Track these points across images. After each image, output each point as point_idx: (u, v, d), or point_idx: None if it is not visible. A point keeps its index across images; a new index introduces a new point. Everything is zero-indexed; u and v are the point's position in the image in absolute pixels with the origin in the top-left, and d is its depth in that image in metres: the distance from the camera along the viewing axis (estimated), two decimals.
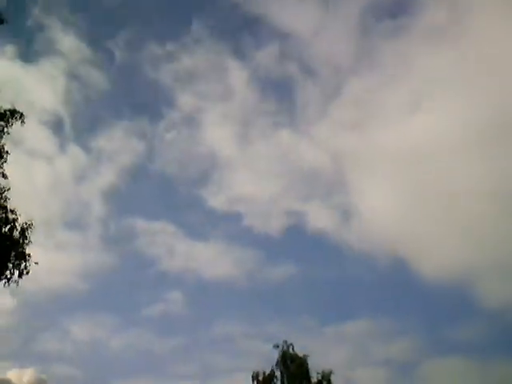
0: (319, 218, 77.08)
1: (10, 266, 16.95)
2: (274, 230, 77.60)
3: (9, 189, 17.12)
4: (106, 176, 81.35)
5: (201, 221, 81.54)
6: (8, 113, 18.18)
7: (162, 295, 73.28)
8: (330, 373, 29.88)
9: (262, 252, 79.72)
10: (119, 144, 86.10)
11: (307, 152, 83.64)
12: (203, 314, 69.75)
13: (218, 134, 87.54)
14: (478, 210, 64.55)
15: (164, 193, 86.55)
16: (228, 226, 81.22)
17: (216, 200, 79.56)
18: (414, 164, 76.13)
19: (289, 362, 30.06)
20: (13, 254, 16.93)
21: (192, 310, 69.55)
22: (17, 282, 17.07)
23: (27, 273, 17.21)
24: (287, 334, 58.58)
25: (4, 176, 17.30)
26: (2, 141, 17.51)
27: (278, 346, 30.23)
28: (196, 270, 75.26)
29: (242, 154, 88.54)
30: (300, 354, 30.39)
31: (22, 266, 17.11)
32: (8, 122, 18.10)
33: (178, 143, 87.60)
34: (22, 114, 18.37)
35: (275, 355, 30.37)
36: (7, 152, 17.43)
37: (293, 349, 30.38)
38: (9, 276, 16.93)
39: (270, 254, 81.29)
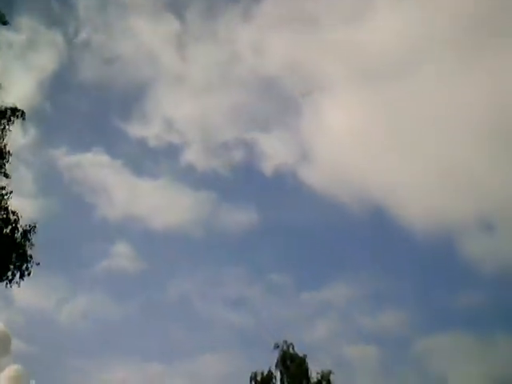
0: (274, 151, 64.94)
1: (12, 267, 16.81)
2: (223, 167, 65.31)
3: (11, 192, 16.91)
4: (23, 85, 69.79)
5: (132, 153, 68.82)
6: (9, 111, 17.92)
7: (109, 249, 62.88)
8: (330, 373, 29.93)
9: (213, 194, 66.00)
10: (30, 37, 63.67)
11: (250, 55, 68.22)
12: (156, 270, 61.23)
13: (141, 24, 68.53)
14: (470, 138, 54.67)
15: (89, 114, 69.29)
16: (167, 161, 69.67)
17: (149, 127, 65.74)
18: (384, 77, 61.26)
19: (289, 361, 30.08)
20: (14, 255, 16.78)
21: (143, 266, 60.77)
22: (18, 284, 16.97)
23: (28, 274, 17.09)
24: (255, 293, 55.20)
25: (6, 176, 17.07)
26: (4, 140, 17.26)
27: (278, 346, 30.26)
28: (142, 216, 64.45)
29: (175, 58, 71.13)
30: (300, 354, 30.40)
31: (24, 267, 16.96)
32: (9, 120, 17.84)
33: (97, 40, 67.70)
34: (23, 112, 18.14)
35: (270, 353, 30.20)
36: (9, 152, 17.18)
37: (293, 348, 30.43)
38: (10, 277, 16.81)
39: (223, 196, 67.62)
